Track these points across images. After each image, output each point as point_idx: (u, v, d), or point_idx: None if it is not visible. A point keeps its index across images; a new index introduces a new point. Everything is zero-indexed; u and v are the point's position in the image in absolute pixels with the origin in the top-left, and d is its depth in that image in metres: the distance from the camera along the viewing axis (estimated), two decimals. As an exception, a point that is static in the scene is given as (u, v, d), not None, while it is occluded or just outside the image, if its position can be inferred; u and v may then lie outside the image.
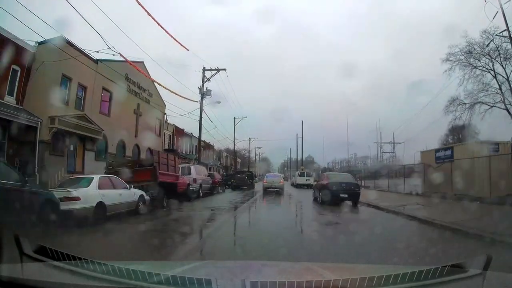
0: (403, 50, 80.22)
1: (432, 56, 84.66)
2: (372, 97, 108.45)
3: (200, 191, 21.20)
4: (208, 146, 53.06)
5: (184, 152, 39.86)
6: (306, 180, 37.23)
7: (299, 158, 61.04)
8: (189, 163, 28.67)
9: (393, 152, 55.10)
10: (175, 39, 22.50)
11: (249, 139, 66.04)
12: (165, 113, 32.61)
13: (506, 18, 16.63)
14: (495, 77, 21.16)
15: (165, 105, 31.75)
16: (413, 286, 1.67)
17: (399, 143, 53.05)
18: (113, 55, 15.95)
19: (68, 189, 9.35)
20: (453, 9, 62.21)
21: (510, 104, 20.60)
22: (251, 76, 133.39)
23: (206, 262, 3.15)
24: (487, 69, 21.50)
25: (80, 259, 1.94)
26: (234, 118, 50.31)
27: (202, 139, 45.90)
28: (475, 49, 21.28)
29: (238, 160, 77.55)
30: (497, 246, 6.60)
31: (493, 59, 20.98)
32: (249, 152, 76.45)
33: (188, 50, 25.34)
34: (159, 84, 26.27)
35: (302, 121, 53.72)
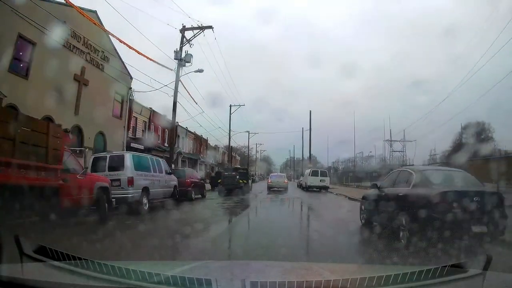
0: (406, 50, 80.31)
1: (430, 56, 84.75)
2: (373, 97, 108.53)
3: (146, 201, 12.23)
4: (201, 140, 48.23)
5: (165, 145, 32.47)
6: (321, 181, 29.38)
7: (307, 154, 55.39)
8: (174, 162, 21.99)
9: (403, 151, 53.69)
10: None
11: (248, 132, 57.12)
12: (131, 88, 24.31)
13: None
14: None
15: (131, 77, 23.34)
16: (413, 286, 1.67)
17: (410, 141, 50.71)
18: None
19: None
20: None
21: None
22: (250, 76, 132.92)
23: (206, 262, 3.15)
24: None
25: (80, 259, 1.94)
26: (230, 106, 42.71)
27: (192, 130, 41.28)
28: None
29: (237, 157, 74.38)
30: None
31: None
32: (248, 148, 68.92)
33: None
34: (117, 39, 17.20)
35: (310, 111, 47.61)
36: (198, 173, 28.09)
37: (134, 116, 27.27)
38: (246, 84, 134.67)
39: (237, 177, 24.30)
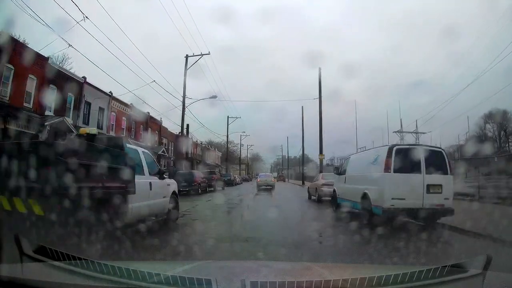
0: (407, 47, 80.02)
1: (432, 54, 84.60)
2: (371, 96, 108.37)
3: None
4: (147, 122, 32.50)
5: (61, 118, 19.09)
6: (431, 189, 8.02)
7: (304, 151, 49.13)
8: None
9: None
10: None
11: (215, 96, 31.06)
12: None
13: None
14: None
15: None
16: (413, 286, 1.67)
17: (424, 132, 46.22)
18: None
19: None
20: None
21: None
22: (244, 75, 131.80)
23: (206, 262, 3.16)
24: None
25: (80, 259, 1.95)
26: (186, 56, 26.75)
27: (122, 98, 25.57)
28: None
29: (218, 153, 66.74)
30: None
31: None
32: (227, 136, 53.49)
33: None
34: None
35: (320, 68, 30.76)
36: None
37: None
38: (240, 84, 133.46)
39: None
